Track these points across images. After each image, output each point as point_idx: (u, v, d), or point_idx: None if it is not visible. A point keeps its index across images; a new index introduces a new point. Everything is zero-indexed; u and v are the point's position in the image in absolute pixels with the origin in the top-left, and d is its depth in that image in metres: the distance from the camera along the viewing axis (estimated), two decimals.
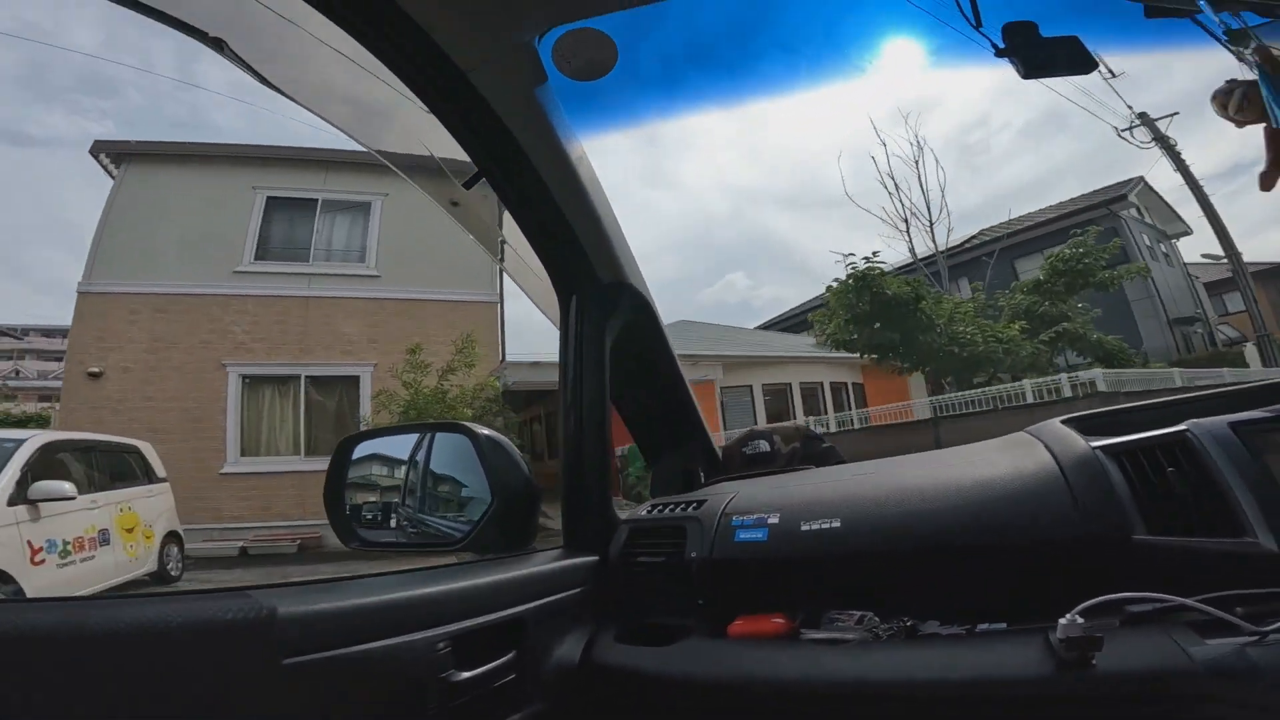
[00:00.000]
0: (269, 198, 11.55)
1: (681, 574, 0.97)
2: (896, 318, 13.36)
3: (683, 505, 1.08)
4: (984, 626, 0.75)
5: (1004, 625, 0.75)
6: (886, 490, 0.90)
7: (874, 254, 13.91)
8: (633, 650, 0.92)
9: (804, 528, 0.89)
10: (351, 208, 11.92)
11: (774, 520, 0.93)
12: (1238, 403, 0.82)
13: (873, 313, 13.53)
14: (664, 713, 0.89)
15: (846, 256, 14.03)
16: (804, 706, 0.77)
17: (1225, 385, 0.94)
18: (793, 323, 22.36)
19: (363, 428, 8.51)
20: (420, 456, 1.17)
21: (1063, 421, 0.90)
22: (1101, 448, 0.80)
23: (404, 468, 1.17)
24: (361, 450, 1.13)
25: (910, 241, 17.84)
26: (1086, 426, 0.87)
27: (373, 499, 1.18)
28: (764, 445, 1.34)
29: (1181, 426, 0.76)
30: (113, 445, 6.96)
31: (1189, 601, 0.64)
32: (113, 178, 11.02)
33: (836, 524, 0.87)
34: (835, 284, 14.11)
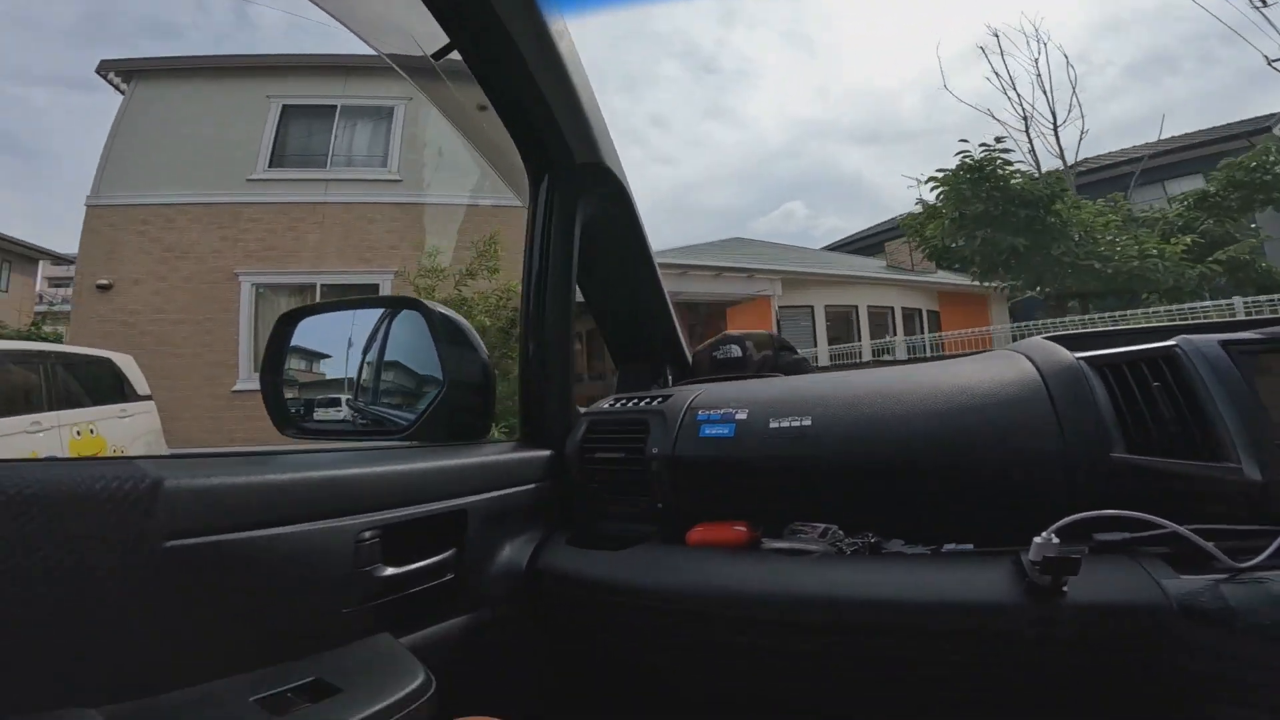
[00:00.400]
0: (284, 106, 11.01)
1: (641, 474, 0.92)
2: (1020, 221, 11.07)
3: (648, 399, 1.02)
4: (950, 547, 0.72)
5: (970, 547, 0.71)
6: (861, 392, 0.85)
7: (997, 140, 11.56)
8: (585, 555, 0.88)
9: (773, 425, 0.84)
10: (372, 113, 11.27)
11: (742, 416, 0.88)
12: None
13: (986, 213, 11.29)
14: (616, 623, 0.86)
15: (926, 180, 11.89)
16: (762, 619, 0.73)
17: None
18: (860, 246, 20.86)
19: None
20: (370, 336, 1.06)
21: (1047, 338, 0.86)
22: (1086, 359, 0.76)
23: (352, 348, 1.06)
24: (306, 328, 1.01)
25: (1031, 144, 14.95)
26: (1075, 344, 0.82)
27: (313, 382, 1.07)
28: (735, 350, 1.30)
29: (1171, 342, 0.72)
30: (74, 357, 5.96)
31: (1171, 527, 0.60)
32: (122, 94, 10.59)
33: (807, 422, 0.83)
34: (938, 173, 11.90)
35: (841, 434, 0.80)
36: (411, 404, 1.03)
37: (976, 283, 13.23)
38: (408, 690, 0.58)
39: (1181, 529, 0.60)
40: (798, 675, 0.77)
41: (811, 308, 14.24)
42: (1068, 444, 0.70)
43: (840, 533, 0.77)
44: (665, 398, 1.00)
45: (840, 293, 14.75)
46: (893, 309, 15.66)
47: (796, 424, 0.83)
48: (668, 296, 1.33)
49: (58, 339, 10.54)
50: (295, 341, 1.03)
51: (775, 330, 12.81)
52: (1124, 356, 0.74)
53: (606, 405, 1.07)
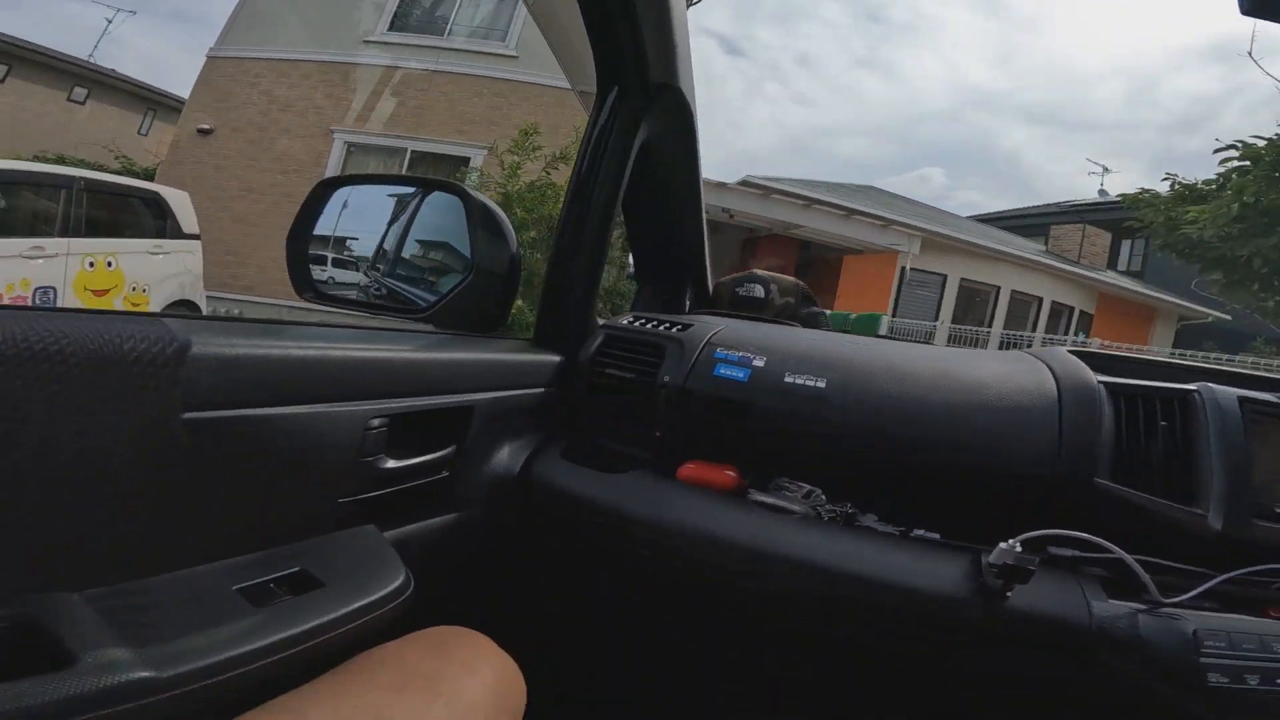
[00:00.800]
0: None
1: (646, 399, 0.91)
2: None
3: (667, 324, 1.00)
4: (919, 533, 0.75)
5: (937, 536, 0.74)
6: (881, 364, 0.84)
7: None
8: (577, 471, 0.87)
9: (788, 379, 0.83)
10: None
11: (759, 363, 0.87)
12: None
13: None
14: (598, 544, 0.88)
15: (1224, 149, 9.05)
16: (737, 570, 0.75)
17: None
18: (1015, 225, 18.41)
19: None
20: (405, 213, 1.05)
21: (1070, 351, 0.88)
22: (1107, 384, 0.77)
23: (385, 223, 1.05)
24: (342, 195, 0.98)
25: None
26: (1096, 363, 0.84)
27: (341, 251, 1.04)
28: (758, 290, 1.29)
29: (1192, 386, 0.73)
30: (109, 185, 5.28)
31: (1117, 553, 0.65)
32: None
33: (822, 384, 0.82)
34: (1238, 143, 9.25)
35: (853, 404, 0.80)
36: (433, 287, 0.98)
37: (1220, 298, 10.89)
38: (388, 589, 0.57)
39: (1126, 556, 0.64)
40: (761, 628, 0.85)
41: (944, 278, 12.67)
42: (1062, 467, 0.71)
43: (822, 497, 0.80)
44: (686, 326, 0.98)
45: (982, 267, 12.97)
46: (1040, 300, 13.85)
47: (812, 383, 0.82)
48: (705, 225, 1.28)
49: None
50: (329, 209, 0.96)
51: (895, 294, 11.94)
52: (1143, 390, 0.75)
53: (625, 321, 1.04)
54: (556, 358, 0.95)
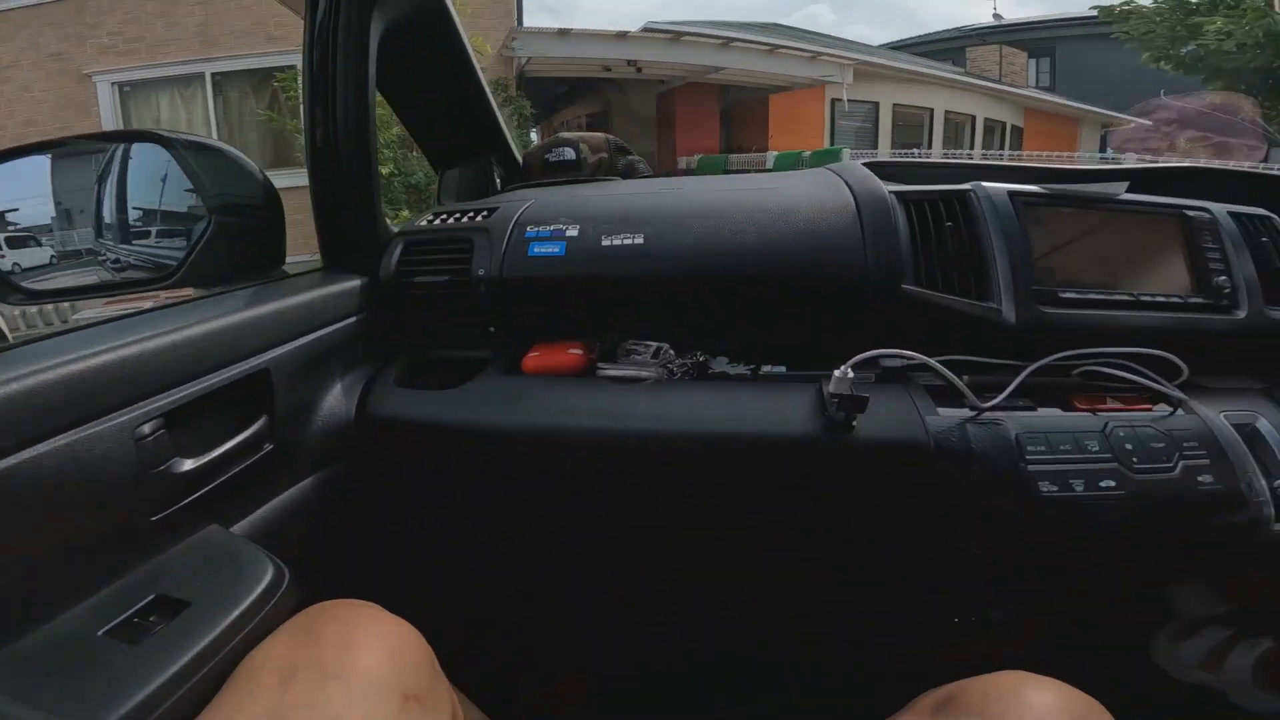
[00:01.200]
0: None
1: (468, 298, 0.84)
2: None
3: (470, 214, 0.92)
4: (767, 369, 0.77)
5: (784, 369, 0.77)
6: (693, 209, 0.83)
7: None
8: (415, 395, 0.80)
9: (605, 242, 0.81)
10: None
11: (573, 233, 0.83)
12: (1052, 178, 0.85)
13: None
14: (456, 466, 0.84)
15: None
16: (598, 451, 0.74)
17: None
18: (927, 50, 17.39)
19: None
20: (112, 174, 0.88)
21: (865, 164, 0.90)
22: (896, 193, 0.80)
23: (97, 192, 0.89)
24: (22, 172, 0.84)
25: None
26: (887, 172, 0.88)
27: (50, 235, 0.87)
28: (569, 153, 1.21)
29: (967, 186, 0.78)
30: None
31: (929, 361, 0.68)
32: None
33: (639, 240, 0.80)
34: None
35: (673, 252, 0.79)
36: (180, 243, 0.83)
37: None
38: (261, 587, 0.51)
39: (940, 368, 0.68)
40: (630, 499, 0.84)
41: (875, 105, 11.71)
42: (871, 274, 0.73)
43: (671, 353, 0.79)
44: (491, 211, 0.91)
45: (912, 92, 12.00)
46: (973, 118, 13.12)
47: (629, 241, 0.80)
48: (491, 96, 1.19)
49: None
50: (12, 191, 0.85)
51: (830, 128, 10.76)
52: (926, 195, 0.79)
53: (424, 222, 0.95)
54: (356, 281, 0.85)
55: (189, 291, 0.76)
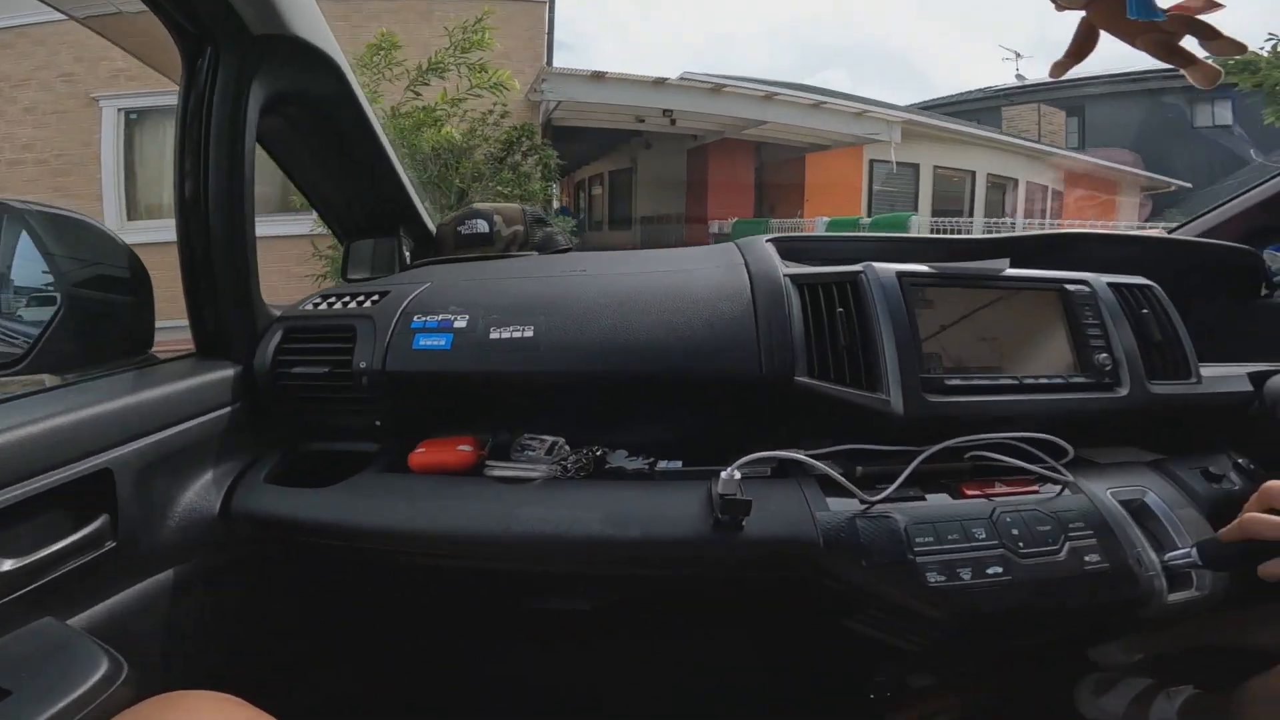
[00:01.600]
0: None
1: (350, 391, 0.81)
2: None
3: (360, 298, 0.89)
4: (663, 465, 0.76)
5: (679, 464, 0.76)
6: (590, 297, 0.81)
7: None
8: (287, 493, 0.76)
9: (494, 335, 0.78)
10: None
11: (460, 324, 0.80)
12: (948, 252, 0.90)
13: None
14: (329, 569, 0.81)
15: None
16: (483, 554, 0.72)
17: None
18: (957, 110, 17.10)
19: None
20: None
21: (769, 240, 0.90)
22: (791, 276, 0.80)
23: None
24: None
25: None
26: (789, 248, 0.88)
27: None
28: (482, 225, 1.19)
29: (858, 267, 0.77)
30: None
31: (815, 464, 0.69)
32: None
33: (529, 333, 0.78)
34: None
35: (564, 345, 0.77)
36: (29, 328, 0.80)
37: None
38: (94, 679, 0.50)
39: (819, 465, 0.69)
40: (520, 594, 0.84)
41: (916, 167, 11.06)
42: (766, 368, 0.74)
43: (566, 448, 0.78)
44: (381, 295, 0.88)
45: (952, 153, 11.48)
46: (1016, 181, 12.60)
47: (519, 334, 0.78)
48: (399, 166, 1.14)
49: None
50: None
51: (868, 190, 10.31)
52: (820, 278, 0.79)
53: (310, 306, 0.92)
54: (229, 371, 0.82)
55: (44, 378, 0.74)
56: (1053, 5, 0.56)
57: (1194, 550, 0.63)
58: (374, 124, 1.05)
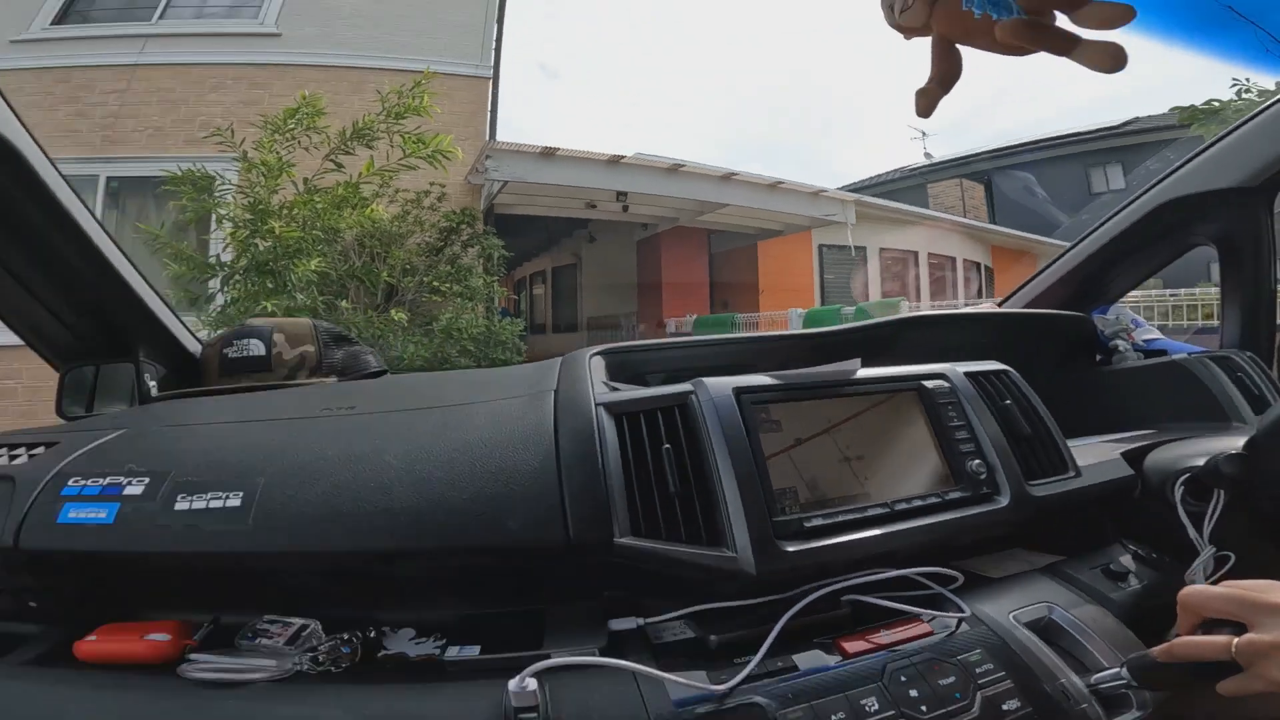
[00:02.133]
0: None
1: None
2: None
3: (19, 449, 0.72)
4: (455, 651, 0.60)
5: (477, 650, 0.60)
6: (333, 448, 0.65)
7: None
8: None
9: (181, 505, 0.61)
10: None
11: (135, 489, 0.62)
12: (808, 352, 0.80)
13: None
14: None
15: None
16: None
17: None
18: (881, 191, 17.34)
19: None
20: None
21: (597, 353, 0.79)
22: (605, 405, 0.67)
23: None
24: None
25: None
26: (620, 361, 0.78)
27: None
28: (256, 347, 1.00)
29: (687, 386, 0.66)
30: None
31: (633, 669, 0.52)
32: None
33: (235, 502, 0.60)
34: None
35: (279, 514, 0.59)
36: None
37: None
38: None
39: (638, 668, 0.53)
40: None
41: (864, 249, 10.97)
42: (573, 533, 0.59)
43: (321, 632, 0.60)
44: (48, 445, 0.70)
45: (897, 234, 11.54)
46: (954, 260, 12.90)
47: (219, 503, 0.60)
48: (130, 270, 0.94)
49: None
50: None
51: (819, 276, 10.00)
52: (641, 405, 0.67)
53: None
54: None
55: None
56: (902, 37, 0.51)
57: (1124, 669, 0.55)
58: (81, 217, 0.87)
